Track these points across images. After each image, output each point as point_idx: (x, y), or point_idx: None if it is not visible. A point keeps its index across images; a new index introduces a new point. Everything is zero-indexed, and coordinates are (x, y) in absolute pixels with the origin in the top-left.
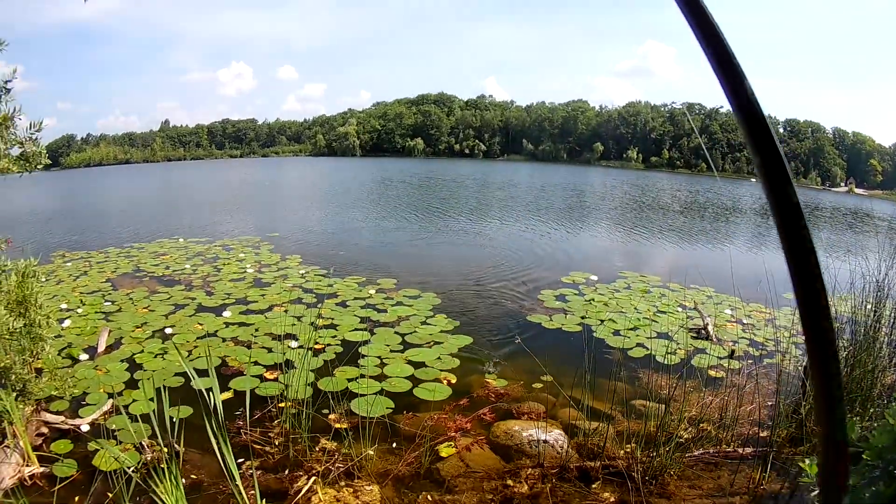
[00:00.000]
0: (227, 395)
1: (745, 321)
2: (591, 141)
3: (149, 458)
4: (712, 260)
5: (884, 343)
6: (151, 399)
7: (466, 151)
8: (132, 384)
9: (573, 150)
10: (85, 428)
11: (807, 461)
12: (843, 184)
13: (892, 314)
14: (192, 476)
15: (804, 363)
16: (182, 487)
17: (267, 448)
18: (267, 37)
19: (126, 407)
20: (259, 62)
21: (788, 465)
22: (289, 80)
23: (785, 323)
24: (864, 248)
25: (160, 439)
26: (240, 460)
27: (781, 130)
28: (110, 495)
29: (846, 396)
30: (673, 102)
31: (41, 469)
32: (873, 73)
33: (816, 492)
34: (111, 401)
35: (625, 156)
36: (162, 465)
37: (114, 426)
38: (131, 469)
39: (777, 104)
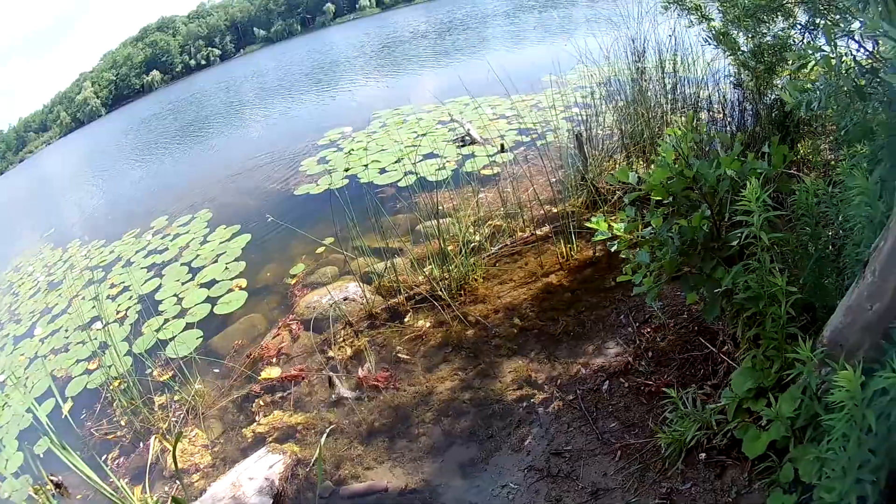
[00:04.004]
0: (69, 405)
1: (508, 114)
2: (321, 3)
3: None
4: (468, 70)
5: (658, 93)
6: (18, 450)
7: (203, 63)
8: None
9: (306, 20)
10: None
11: (593, 219)
12: None
13: (656, 66)
14: (78, 496)
15: (576, 131)
16: None
17: (118, 433)
18: None
19: (5, 470)
20: None
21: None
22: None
23: (549, 103)
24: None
25: (40, 482)
26: (104, 457)
27: None
28: None
29: (625, 150)
30: None
31: None
32: None
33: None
34: None
35: (358, 6)
36: None
37: (6, 493)
38: None
39: None
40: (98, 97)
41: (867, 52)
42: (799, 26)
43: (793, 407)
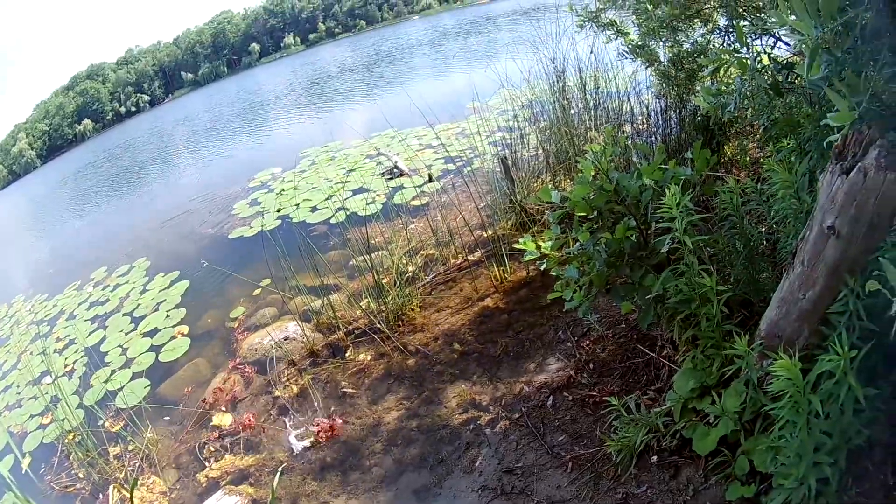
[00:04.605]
0: (28, 461)
1: (434, 144)
2: (247, 44)
3: None
4: (394, 102)
5: (580, 110)
6: None
7: (133, 109)
8: None
9: (231, 61)
10: None
11: (521, 240)
12: None
13: (578, 84)
14: None
15: (501, 155)
16: None
17: (77, 485)
18: None
19: None
20: None
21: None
22: None
23: (474, 130)
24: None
25: None
26: None
27: None
28: None
29: (551, 169)
30: None
31: None
32: None
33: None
34: None
35: (283, 45)
36: None
37: None
38: None
39: None
40: (33, 148)
41: (791, 49)
42: (719, 31)
43: (738, 401)
